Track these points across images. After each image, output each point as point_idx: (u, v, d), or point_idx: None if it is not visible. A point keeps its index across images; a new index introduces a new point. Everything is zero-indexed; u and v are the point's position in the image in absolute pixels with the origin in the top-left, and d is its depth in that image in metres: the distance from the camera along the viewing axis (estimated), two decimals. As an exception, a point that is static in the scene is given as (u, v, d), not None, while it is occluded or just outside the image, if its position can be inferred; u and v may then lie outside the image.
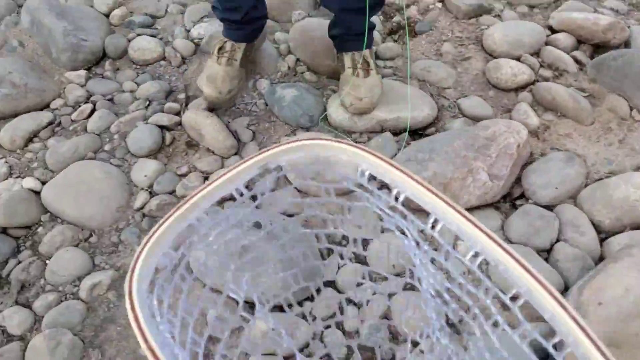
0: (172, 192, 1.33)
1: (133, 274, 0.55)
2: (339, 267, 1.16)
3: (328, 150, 0.67)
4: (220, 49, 1.48)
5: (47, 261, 1.20)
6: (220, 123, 1.44)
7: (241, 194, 0.66)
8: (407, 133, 1.41)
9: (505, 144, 1.29)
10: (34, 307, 1.13)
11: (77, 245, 1.23)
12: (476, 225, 0.57)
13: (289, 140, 0.67)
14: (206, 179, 1.35)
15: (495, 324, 0.66)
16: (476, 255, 0.57)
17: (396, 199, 0.64)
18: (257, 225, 1.13)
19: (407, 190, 0.62)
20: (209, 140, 1.42)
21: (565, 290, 1.08)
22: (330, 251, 1.17)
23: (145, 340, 0.50)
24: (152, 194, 1.33)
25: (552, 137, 1.43)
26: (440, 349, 1.02)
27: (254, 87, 1.59)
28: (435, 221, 0.60)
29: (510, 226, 1.21)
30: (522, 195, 1.30)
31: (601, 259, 1.15)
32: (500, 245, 0.55)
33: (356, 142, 1.42)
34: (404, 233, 0.74)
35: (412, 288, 1.10)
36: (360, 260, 1.15)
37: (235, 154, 1.42)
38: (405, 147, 1.38)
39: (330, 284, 1.14)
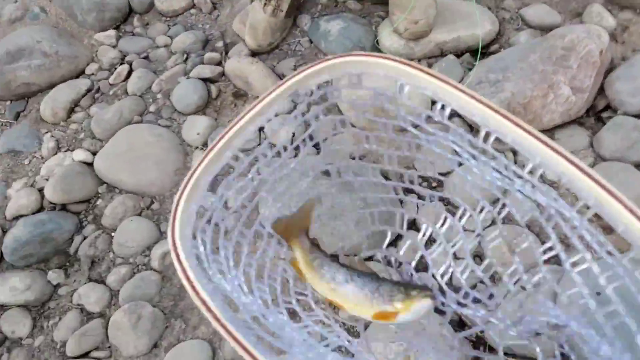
0: (228, 148, 1.25)
1: (174, 223, 0.52)
2: (417, 208, 1.09)
3: (361, 66, 0.59)
4: None
5: (113, 234, 1.16)
6: (265, 68, 1.34)
7: (276, 115, 0.61)
8: (479, 52, 1.27)
9: (586, 52, 1.15)
10: (108, 282, 1.10)
11: (140, 214, 1.18)
12: (533, 135, 0.50)
13: (317, 62, 0.58)
14: (262, 128, 1.27)
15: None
16: (534, 169, 0.52)
17: (442, 113, 0.56)
18: (326, 173, 1.05)
19: (453, 102, 0.55)
20: (257, 87, 1.32)
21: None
22: (406, 191, 1.09)
23: (196, 292, 0.48)
24: (207, 152, 1.26)
25: (632, 39, 1.28)
26: (544, 282, 0.95)
27: (294, 24, 1.47)
28: (487, 134, 0.54)
29: (601, 142, 1.09)
30: (607, 107, 1.17)
31: None
32: (562, 155, 0.49)
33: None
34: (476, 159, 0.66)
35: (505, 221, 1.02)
36: (440, 197, 1.06)
37: (287, 99, 1.33)
38: (470, 69, 1.25)
39: (412, 226, 1.07)
